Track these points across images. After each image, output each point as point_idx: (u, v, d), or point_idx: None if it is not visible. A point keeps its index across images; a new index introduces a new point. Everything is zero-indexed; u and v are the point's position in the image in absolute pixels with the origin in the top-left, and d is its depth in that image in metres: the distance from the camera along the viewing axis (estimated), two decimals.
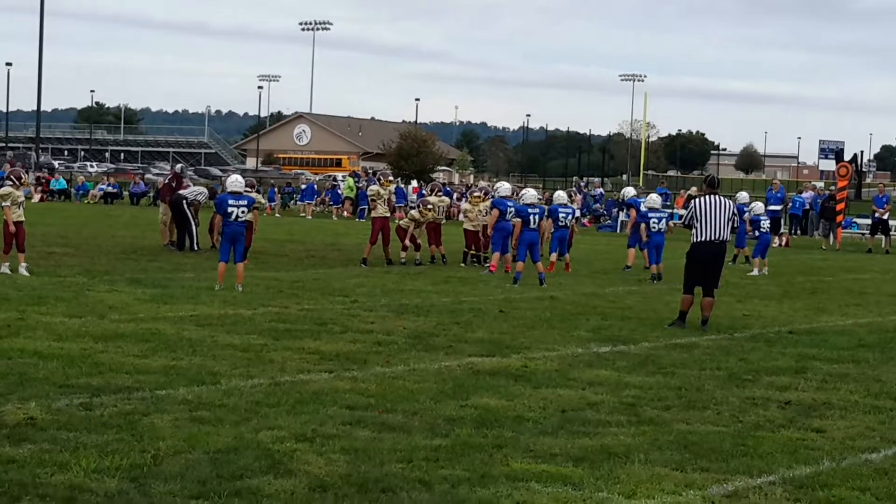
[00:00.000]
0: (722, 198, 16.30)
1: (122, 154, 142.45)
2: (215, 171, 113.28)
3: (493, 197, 24.62)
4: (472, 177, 66.42)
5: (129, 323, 14.43)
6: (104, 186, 61.07)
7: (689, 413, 10.34)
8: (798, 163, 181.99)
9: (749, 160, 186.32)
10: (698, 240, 16.04)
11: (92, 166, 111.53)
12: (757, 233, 26.23)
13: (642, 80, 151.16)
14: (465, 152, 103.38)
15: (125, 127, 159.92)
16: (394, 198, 27.77)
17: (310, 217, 50.43)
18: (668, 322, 16.21)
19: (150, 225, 37.25)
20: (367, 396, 10.53)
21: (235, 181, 19.73)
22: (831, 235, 41.06)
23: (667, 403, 10.69)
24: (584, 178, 75.28)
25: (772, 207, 37.00)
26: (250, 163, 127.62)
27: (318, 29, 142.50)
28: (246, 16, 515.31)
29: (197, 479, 7.64)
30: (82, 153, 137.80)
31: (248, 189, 24.34)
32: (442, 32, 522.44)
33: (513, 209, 23.04)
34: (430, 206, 25.60)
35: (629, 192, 26.86)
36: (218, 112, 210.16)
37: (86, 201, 57.28)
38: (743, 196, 28.79)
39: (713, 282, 16.04)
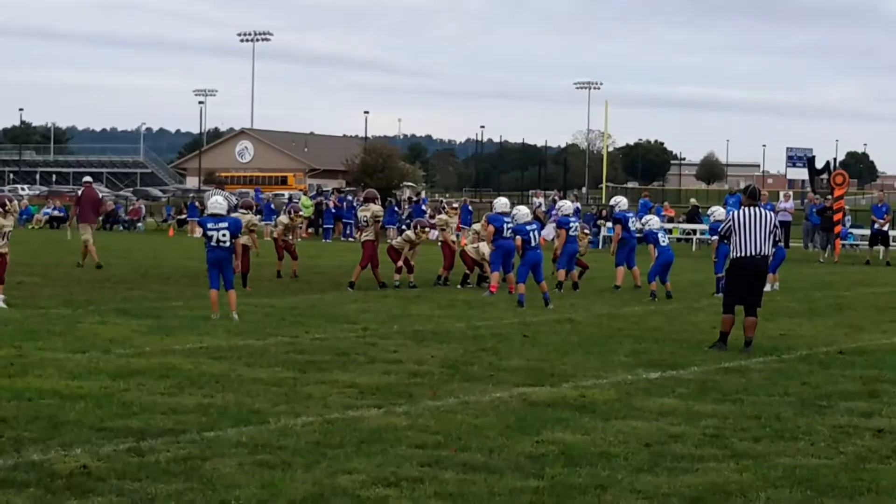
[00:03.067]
0: (762, 210, 15.58)
1: (54, 175, 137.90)
2: (155, 191, 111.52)
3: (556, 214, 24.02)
4: (423, 192, 65.75)
5: (139, 358, 13.61)
6: (49, 210, 59.77)
7: (781, 445, 9.69)
8: (762, 172, 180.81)
9: (710, 170, 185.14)
10: (738, 255, 15.33)
11: (23, 189, 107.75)
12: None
13: (598, 88, 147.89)
14: (416, 167, 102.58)
15: (55, 147, 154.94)
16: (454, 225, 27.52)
17: (297, 239, 48.66)
18: (707, 344, 15.55)
19: (109, 251, 36.35)
20: (432, 434, 9.81)
21: (215, 203, 18.80)
22: (828, 247, 40.27)
23: (753, 434, 10.03)
24: (555, 193, 74.22)
25: None
26: (191, 182, 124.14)
27: (257, 39, 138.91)
28: (162, 26, 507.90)
29: None
30: (10, 175, 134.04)
31: (244, 210, 23.56)
32: (373, 38, 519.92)
33: (511, 226, 22.35)
34: (427, 229, 24.94)
35: (622, 203, 26.05)
36: (149, 129, 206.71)
37: (30, 226, 55.85)
38: (721, 212, 28.06)
39: (755, 300, 15.37)
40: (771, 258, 15.91)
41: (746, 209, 15.48)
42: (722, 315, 15.54)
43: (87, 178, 32.03)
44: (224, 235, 17.92)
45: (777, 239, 15.72)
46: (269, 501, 7.61)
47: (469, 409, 10.89)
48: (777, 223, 15.72)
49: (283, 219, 27.20)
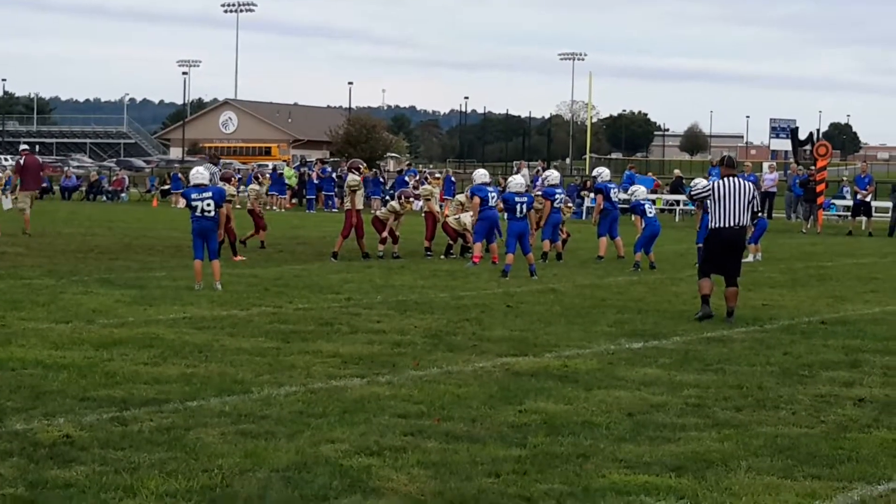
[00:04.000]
0: (741, 180, 15.53)
1: (37, 146, 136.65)
2: (138, 162, 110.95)
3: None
4: (406, 164, 65.55)
5: (122, 328, 13.59)
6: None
7: (763, 414, 9.73)
8: (746, 143, 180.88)
9: (694, 141, 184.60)
10: (715, 225, 15.30)
11: (6, 160, 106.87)
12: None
13: (583, 59, 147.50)
14: (400, 137, 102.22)
15: (38, 117, 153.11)
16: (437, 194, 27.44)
17: (279, 209, 48.56)
18: (691, 315, 15.48)
19: (92, 221, 36.38)
20: (415, 403, 9.83)
21: (197, 173, 18.73)
22: (811, 218, 40.27)
23: (735, 403, 10.07)
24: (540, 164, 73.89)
25: None
26: (174, 153, 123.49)
27: (241, 10, 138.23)
28: None
29: (282, 502, 6.90)
30: None
31: (223, 183, 23.50)
32: (358, 8, 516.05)
33: (494, 195, 22.31)
34: (411, 199, 24.90)
35: (605, 174, 25.95)
36: (132, 100, 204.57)
37: (14, 197, 55.49)
38: (704, 183, 28.04)
39: (734, 270, 15.32)
40: (753, 229, 15.87)
41: (725, 179, 15.40)
42: (699, 280, 15.49)
43: (25, 147, 31.61)
44: (209, 205, 17.85)
45: (756, 210, 15.66)
46: (252, 470, 7.61)
47: (452, 379, 10.90)
48: (755, 194, 15.65)
49: (254, 186, 27.19)
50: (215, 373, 10.97)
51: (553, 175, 25.67)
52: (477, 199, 22.40)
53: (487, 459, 8.03)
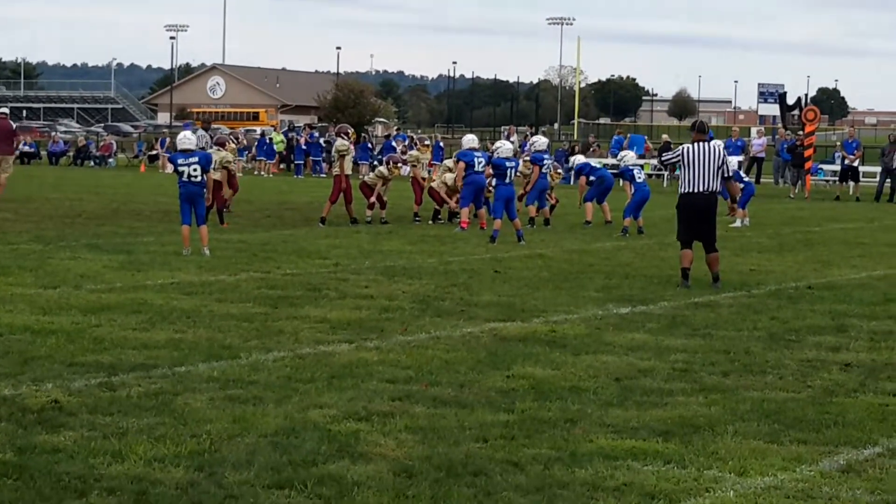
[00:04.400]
0: (711, 145, 15.30)
1: (24, 111, 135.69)
2: (126, 127, 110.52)
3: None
4: (395, 129, 65.40)
5: (110, 293, 13.57)
6: (20, 146, 59.06)
7: (750, 379, 9.76)
8: (734, 107, 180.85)
9: (682, 106, 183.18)
10: (685, 191, 15.12)
11: None
12: (741, 184, 25.79)
13: (571, 24, 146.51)
14: (388, 103, 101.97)
15: (25, 82, 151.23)
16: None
17: (267, 174, 48.46)
18: (677, 284, 15.33)
19: (80, 186, 36.28)
20: (403, 368, 9.85)
21: (184, 138, 18.69)
22: (799, 183, 40.27)
23: (722, 369, 10.10)
24: (528, 129, 73.56)
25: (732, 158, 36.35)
26: (162, 118, 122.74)
27: None
28: None
29: (269, 467, 6.97)
30: None
31: (217, 147, 23.44)
32: None
33: (482, 160, 22.25)
34: (399, 165, 24.84)
35: (578, 157, 26.25)
36: (120, 65, 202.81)
37: None
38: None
39: (710, 235, 15.15)
40: (740, 194, 15.74)
41: (695, 144, 15.16)
42: (680, 251, 15.36)
43: (3, 110, 31.03)
44: (195, 170, 17.79)
45: (726, 174, 15.35)
46: (240, 436, 7.63)
47: (440, 345, 10.92)
48: (726, 158, 15.39)
49: (383, 170, 25.07)
50: (203, 338, 10.98)
51: (541, 141, 25.66)
52: (462, 164, 22.36)
53: (475, 424, 8.05)
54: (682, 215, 15.27)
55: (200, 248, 17.63)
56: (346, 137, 23.86)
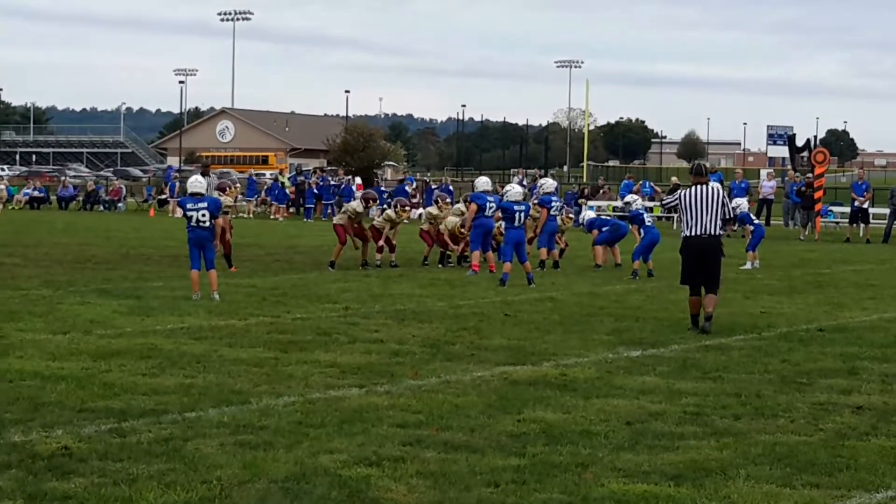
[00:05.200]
0: (710, 187, 15.17)
1: (34, 156, 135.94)
2: (135, 171, 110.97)
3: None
4: (405, 172, 65.50)
5: (120, 339, 13.58)
6: (29, 191, 59.31)
7: (762, 422, 9.72)
8: (743, 149, 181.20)
9: (691, 148, 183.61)
10: (687, 234, 15.11)
11: (2, 170, 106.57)
12: (751, 227, 25.80)
13: (579, 67, 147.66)
14: (398, 146, 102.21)
15: (35, 127, 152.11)
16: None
17: (280, 218, 48.45)
18: (688, 324, 15.32)
19: (89, 231, 36.36)
20: (413, 413, 9.83)
21: (195, 182, 18.70)
22: (809, 225, 40.20)
23: (733, 412, 10.07)
24: (536, 171, 73.36)
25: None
26: (171, 162, 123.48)
27: (238, 19, 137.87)
28: (142, 4, 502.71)
29: None
30: None
31: (220, 192, 23.47)
32: (354, 16, 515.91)
33: (493, 205, 22.27)
34: (407, 208, 24.79)
35: (590, 213, 26.37)
36: (129, 109, 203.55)
37: (10, 207, 55.42)
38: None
39: (713, 280, 15.06)
40: (750, 236, 15.64)
41: (694, 188, 15.10)
42: (689, 297, 15.27)
43: None
44: (203, 215, 17.83)
45: (727, 216, 15.35)
46: (251, 481, 7.61)
47: (450, 389, 10.90)
48: (726, 199, 15.29)
49: (390, 213, 24.74)
50: (213, 383, 10.97)
51: (549, 183, 25.69)
52: (474, 206, 22.36)
53: (486, 469, 8.03)
54: (685, 258, 15.27)
55: (210, 292, 17.63)
56: (365, 203, 23.88)
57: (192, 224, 17.86)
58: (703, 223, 14.88)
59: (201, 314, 15.95)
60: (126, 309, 16.34)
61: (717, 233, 15.14)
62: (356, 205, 24.01)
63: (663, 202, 15.86)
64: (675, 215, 45.94)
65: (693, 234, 14.96)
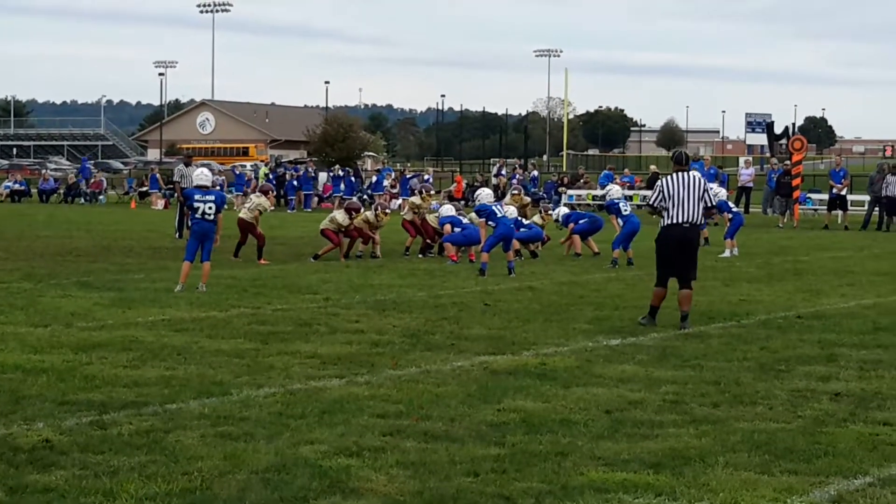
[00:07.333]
0: (691, 175, 14.74)
1: (14, 149, 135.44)
2: (116, 164, 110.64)
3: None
4: (383, 162, 65.49)
5: (101, 331, 13.58)
6: (10, 184, 59.01)
7: (740, 409, 9.78)
8: (722, 137, 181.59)
9: (670, 136, 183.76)
10: (667, 223, 14.60)
11: None
12: (729, 214, 25.88)
13: (558, 56, 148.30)
14: (377, 136, 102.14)
15: (15, 120, 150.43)
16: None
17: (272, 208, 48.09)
18: (641, 317, 14.94)
19: (71, 224, 36.22)
20: (393, 403, 9.86)
21: (202, 174, 18.64)
22: (787, 212, 40.30)
23: (712, 399, 10.13)
24: (516, 162, 73.09)
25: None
26: (152, 154, 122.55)
27: (217, 10, 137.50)
28: None
29: None
30: None
31: (263, 194, 23.81)
32: (333, 7, 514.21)
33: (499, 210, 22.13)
34: (387, 211, 24.79)
35: (562, 210, 26.39)
36: (109, 102, 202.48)
37: None
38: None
39: (689, 272, 14.63)
40: (728, 223, 15.44)
41: (675, 175, 14.64)
42: (654, 287, 14.84)
43: None
44: (210, 208, 17.80)
45: (709, 205, 14.99)
46: (232, 473, 7.63)
47: (430, 378, 10.94)
48: (707, 187, 14.93)
49: (369, 216, 24.72)
50: (194, 375, 10.98)
51: (485, 193, 24.24)
52: (483, 220, 22.09)
53: (466, 458, 8.06)
54: (660, 248, 14.75)
55: (199, 283, 17.58)
56: (349, 214, 23.84)
57: (196, 216, 17.84)
58: (687, 210, 14.42)
59: (182, 306, 15.95)
60: (107, 301, 16.33)
61: (701, 221, 14.85)
62: (341, 217, 23.93)
63: (650, 202, 15.08)
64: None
65: (676, 221, 14.45)
